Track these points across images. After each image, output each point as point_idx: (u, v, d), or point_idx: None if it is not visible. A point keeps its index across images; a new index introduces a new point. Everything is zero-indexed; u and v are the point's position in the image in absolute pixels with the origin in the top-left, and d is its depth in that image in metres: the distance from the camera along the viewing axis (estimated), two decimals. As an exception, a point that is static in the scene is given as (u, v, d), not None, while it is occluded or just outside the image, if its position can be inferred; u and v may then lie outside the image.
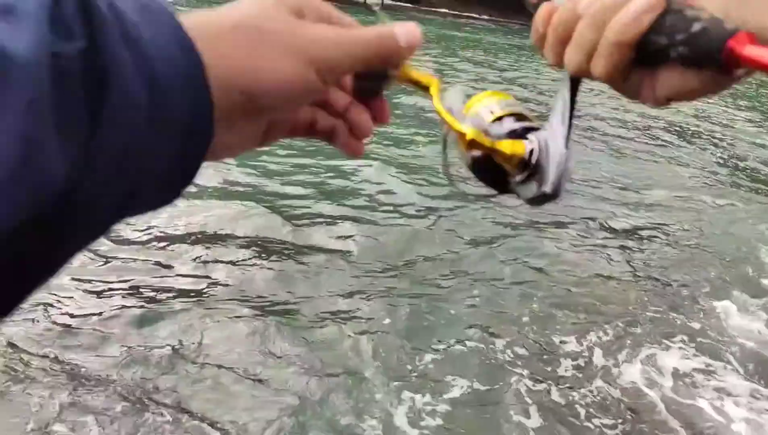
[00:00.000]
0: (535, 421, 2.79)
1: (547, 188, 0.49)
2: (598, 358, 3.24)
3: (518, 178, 0.51)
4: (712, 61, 0.45)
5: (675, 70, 0.48)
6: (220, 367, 2.89)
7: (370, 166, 5.39)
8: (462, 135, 0.50)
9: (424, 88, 0.50)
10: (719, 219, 5.36)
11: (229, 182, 4.76)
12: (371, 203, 4.77)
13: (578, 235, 4.65)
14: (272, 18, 0.39)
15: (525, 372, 3.05)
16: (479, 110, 0.54)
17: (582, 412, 2.87)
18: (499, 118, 0.52)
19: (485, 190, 0.55)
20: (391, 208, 4.71)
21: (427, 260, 3.87)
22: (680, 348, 3.40)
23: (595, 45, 0.49)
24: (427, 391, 2.87)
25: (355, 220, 4.38)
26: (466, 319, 3.40)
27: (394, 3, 19.69)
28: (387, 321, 3.30)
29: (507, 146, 0.50)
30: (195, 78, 0.34)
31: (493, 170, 0.53)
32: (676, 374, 3.18)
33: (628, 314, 3.65)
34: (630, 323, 3.55)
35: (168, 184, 0.36)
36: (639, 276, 4.14)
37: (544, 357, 3.19)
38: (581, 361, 3.20)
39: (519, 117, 0.53)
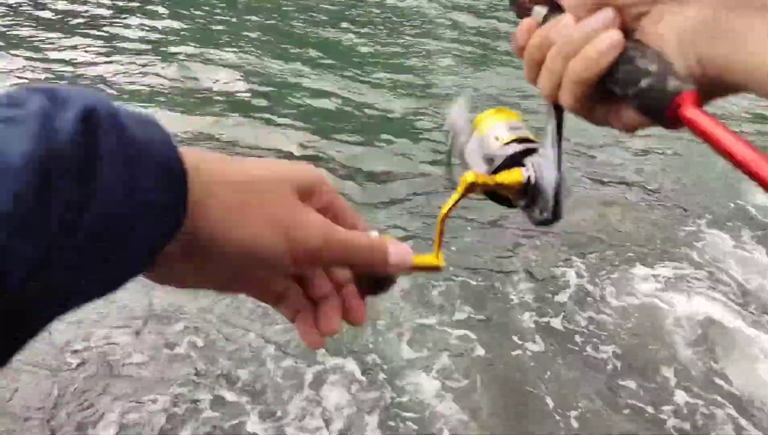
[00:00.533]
0: (539, 345, 2.88)
1: (548, 214, 0.53)
2: (595, 284, 3.32)
3: (521, 203, 0.55)
4: (659, 118, 0.46)
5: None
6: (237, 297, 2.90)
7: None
8: (463, 182, 0.53)
9: (433, 268, 0.51)
10: (703, 154, 5.42)
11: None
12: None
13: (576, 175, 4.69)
14: (272, 190, 0.41)
15: (529, 299, 3.14)
16: (485, 134, 0.57)
17: (579, 339, 2.97)
18: (505, 145, 0.55)
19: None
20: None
21: (430, 195, 3.89)
22: (673, 272, 3.49)
23: (561, 76, 0.49)
24: (435, 314, 2.96)
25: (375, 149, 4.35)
26: (471, 248, 3.45)
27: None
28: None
29: (505, 177, 0.53)
30: (177, 190, 0.36)
31: (498, 196, 0.57)
32: (670, 297, 3.28)
33: (624, 243, 3.73)
34: (625, 251, 3.63)
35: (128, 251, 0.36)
36: (631, 206, 4.21)
37: (547, 286, 3.27)
38: (580, 289, 3.28)
39: (521, 140, 0.56)
